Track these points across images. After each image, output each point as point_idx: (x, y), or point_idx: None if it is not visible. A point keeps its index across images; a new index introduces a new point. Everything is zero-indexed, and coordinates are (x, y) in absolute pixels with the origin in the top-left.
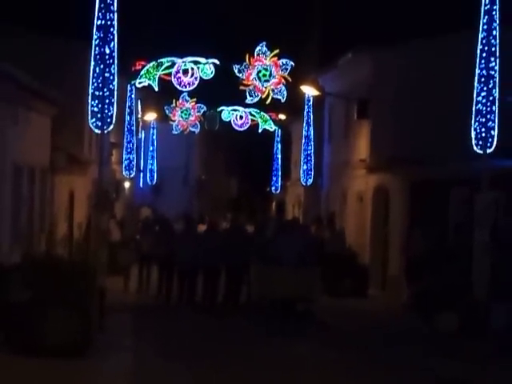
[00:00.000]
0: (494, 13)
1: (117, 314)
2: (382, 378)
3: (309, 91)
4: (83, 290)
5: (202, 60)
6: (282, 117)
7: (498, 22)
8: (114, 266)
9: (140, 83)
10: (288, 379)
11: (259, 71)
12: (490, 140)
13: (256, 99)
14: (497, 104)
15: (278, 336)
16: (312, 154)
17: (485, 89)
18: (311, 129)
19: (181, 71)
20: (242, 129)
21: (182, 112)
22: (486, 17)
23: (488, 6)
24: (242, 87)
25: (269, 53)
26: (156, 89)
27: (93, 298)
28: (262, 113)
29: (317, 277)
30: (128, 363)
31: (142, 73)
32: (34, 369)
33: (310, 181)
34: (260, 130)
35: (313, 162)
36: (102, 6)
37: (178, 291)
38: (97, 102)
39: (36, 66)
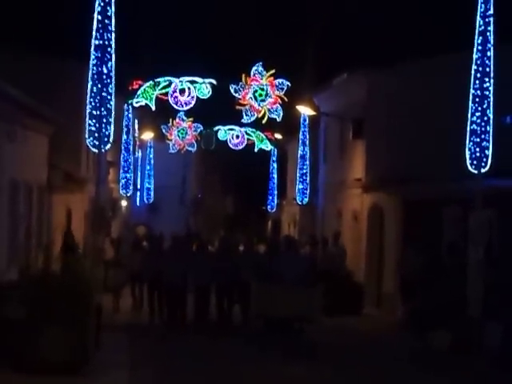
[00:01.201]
0: (488, 34)
1: (111, 332)
2: None
3: (304, 111)
4: (80, 307)
5: (199, 80)
6: (278, 136)
7: (492, 42)
8: (105, 285)
9: (137, 102)
10: None
11: (255, 91)
12: (485, 160)
13: (252, 119)
14: (491, 124)
15: (272, 355)
16: (307, 174)
17: (479, 109)
18: (307, 148)
19: (177, 91)
20: (238, 148)
21: (178, 131)
22: (481, 37)
23: (482, 27)
24: (238, 107)
25: (265, 73)
26: (153, 108)
27: (89, 315)
28: (258, 132)
29: (319, 296)
30: (124, 381)
31: (139, 92)
32: None
33: (306, 200)
34: (256, 150)
35: (308, 181)
36: (100, 26)
37: (169, 310)
38: (94, 121)
39: (33, 84)
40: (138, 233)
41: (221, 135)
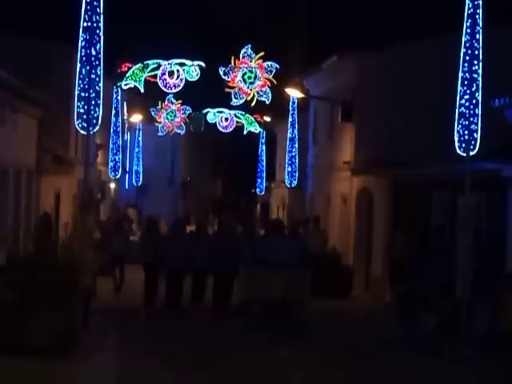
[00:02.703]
0: (477, 16)
1: (102, 314)
2: (365, 379)
3: (293, 94)
4: (68, 290)
5: (188, 62)
6: (267, 119)
7: (481, 25)
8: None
9: (126, 85)
10: (272, 379)
11: (244, 73)
12: (473, 143)
13: (241, 101)
14: (480, 107)
15: (262, 338)
16: (296, 156)
17: (468, 92)
18: (296, 131)
19: (166, 73)
20: (227, 130)
21: (167, 114)
22: (470, 20)
23: (471, 10)
24: (227, 89)
25: (254, 55)
26: (142, 91)
27: (78, 298)
28: (247, 115)
29: (309, 280)
30: (112, 362)
31: (128, 75)
32: (20, 368)
33: (295, 182)
34: (245, 132)
35: (297, 164)
36: (88, 8)
37: (167, 293)
38: (83, 103)
39: (22, 67)
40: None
41: (210, 118)
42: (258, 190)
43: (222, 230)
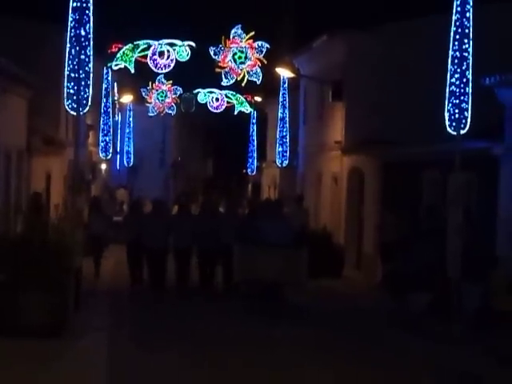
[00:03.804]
0: None
1: (90, 295)
2: (357, 358)
3: (284, 73)
4: (59, 270)
5: (178, 42)
6: (258, 99)
7: (471, 3)
8: None
9: (116, 65)
10: (266, 357)
11: (235, 53)
12: (464, 121)
13: (232, 81)
14: (470, 85)
15: (255, 318)
16: (287, 136)
17: (458, 70)
18: (287, 111)
19: (157, 53)
20: (217, 111)
21: (158, 94)
22: None
23: None
24: (217, 69)
25: (244, 35)
26: (132, 71)
27: (68, 278)
28: (237, 95)
29: (305, 259)
30: (103, 343)
31: (118, 55)
32: (10, 349)
33: (286, 162)
34: (236, 112)
35: (288, 144)
36: None
37: (150, 273)
38: (72, 84)
39: (11, 48)
40: (119, 195)
41: (200, 98)
42: (249, 170)
43: (204, 209)
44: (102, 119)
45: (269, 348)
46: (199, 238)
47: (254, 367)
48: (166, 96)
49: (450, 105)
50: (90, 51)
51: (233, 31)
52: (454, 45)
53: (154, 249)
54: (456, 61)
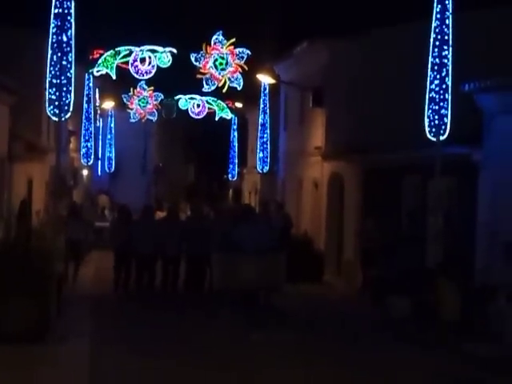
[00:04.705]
0: (446, 2)
1: (73, 300)
2: (338, 363)
3: (265, 80)
4: (40, 276)
5: (159, 49)
6: (239, 105)
7: (450, 10)
8: None
9: (98, 71)
10: (245, 362)
11: (216, 60)
12: (443, 127)
13: (213, 87)
14: (450, 92)
15: (237, 324)
16: (268, 142)
17: (438, 77)
18: (267, 117)
19: (138, 60)
20: (199, 117)
21: (139, 100)
22: (439, 6)
23: None
24: (198, 76)
25: (225, 41)
26: (114, 77)
27: (50, 284)
28: (218, 101)
29: (283, 264)
30: (85, 349)
31: (99, 61)
32: None
33: (267, 168)
34: (217, 118)
35: (269, 150)
36: None
37: (136, 280)
38: (54, 89)
39: None
40: (100, 201)
41: (182, 104)
42: (230, 175)
43: (194, 215)
44: (83, 125)
45: (249, 352)
46: (187, 245)
47: (231, 371)
48: (147, 102)
49: (430, 111)
50: (71, 57)
51: (214, 37)
52: (433, 51)
53: (144, 254)
54: (436, 67)
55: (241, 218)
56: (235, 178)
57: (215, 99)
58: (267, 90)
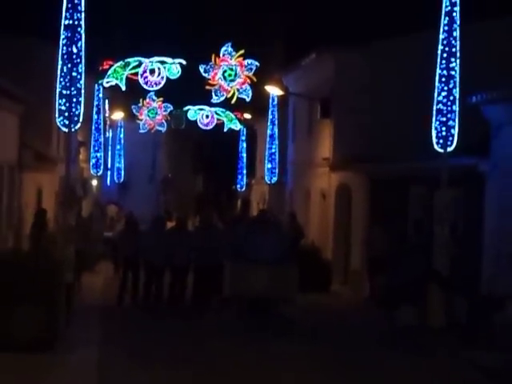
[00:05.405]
0: (454, 14)
1: (83, 310)
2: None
3: (273, 91)
4: (50, 285)
5: (169, 60)
6: (247, 116)
7: (458, 23)
8: None
9: (107, 83)
10: (258, 373)
11: (225, 71)
12: (451, 139)
13: (222, 99)
14: (457, 103)
15: (246, 333)
16: (276, 153)
17: (445, 88)
18: (275, 128)
19: (148, 71)
20: (207, 128)
21: (148, 111)
22: (447, 18)
23: (449, 8)
24: (207, 87)
25: (234, 53)
26: (123, 88)
27: (59, 293)
28: (227, 112)
29: (295, 274)
30: (94, 358)
31: (109, 72)
32: (2, 363)
33: (275, 179)
34: (225, 129)
35: (277, 161)
36: (70, 6)
37: (144, 289)
38: (64, 100)
39: (4, 64)
40: (109, 211)
41: (191, 115)
42: (238, 186)
43: (203, 225)
44: (93, 136)
45: (260, 363)
46: (197, 255)
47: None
48: (156, 113)
49: (438, 122)
50: (81, 68)
51: (223, 49)
52: (441, 63)
53: (154, 264)
54: (443, 79)
55: (254, 228)
56: (243, 189)
57: (224, 110)
58: (276, 102)
